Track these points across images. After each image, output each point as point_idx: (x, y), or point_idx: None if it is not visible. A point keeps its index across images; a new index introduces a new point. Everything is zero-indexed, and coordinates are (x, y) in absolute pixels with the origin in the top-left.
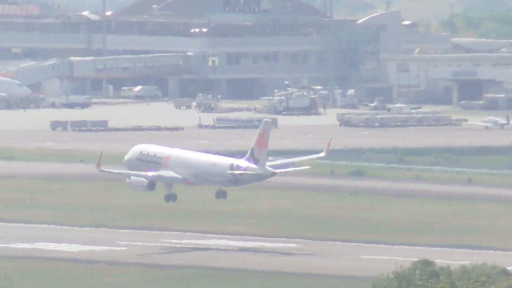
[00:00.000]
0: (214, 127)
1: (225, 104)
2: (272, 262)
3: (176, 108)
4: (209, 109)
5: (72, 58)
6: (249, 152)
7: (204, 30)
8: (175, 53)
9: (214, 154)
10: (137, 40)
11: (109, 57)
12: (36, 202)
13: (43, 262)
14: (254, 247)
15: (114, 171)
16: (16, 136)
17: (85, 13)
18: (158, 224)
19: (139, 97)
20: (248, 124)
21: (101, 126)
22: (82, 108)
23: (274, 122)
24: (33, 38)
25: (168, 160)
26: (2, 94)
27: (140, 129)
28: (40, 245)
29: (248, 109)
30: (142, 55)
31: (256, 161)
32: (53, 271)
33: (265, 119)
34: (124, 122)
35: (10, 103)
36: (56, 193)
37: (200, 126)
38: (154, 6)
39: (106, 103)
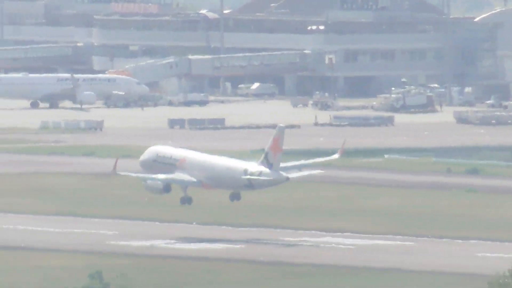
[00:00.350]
0: (330, 125)
1: (342, 102)
2: (388, 259)
3: (293, 106)
4: (325, 107)
5: (190, 57)
6: (262, 156)
7: (321, 27)
8: (292, 51)
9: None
10: (254, 38)
11: (226, 55)
12: (153, 200)
13: (159, 260)
14: (370, 245)
15: (131, 174)
16: (134, 134)
17: (203, 11)
18: (275, 222)
19: (256, 95)
20: (365, 122)
21: (218, 124)
22: (200, 106)
23: (390, 120)
24: (151, 36)
25: (183, 162)
26: (121, 92)
27: (257, 127)
28: (157, 243)
29: (364, 107)
30: (259, 53)
31: (270, 166)
32: (170, 268)
33: (279, 125)
34: (241, 120)
35: (128, 101)
36: (174, 191)
37: (316, 124)
38: (272, 4)
39: (223, 101)
